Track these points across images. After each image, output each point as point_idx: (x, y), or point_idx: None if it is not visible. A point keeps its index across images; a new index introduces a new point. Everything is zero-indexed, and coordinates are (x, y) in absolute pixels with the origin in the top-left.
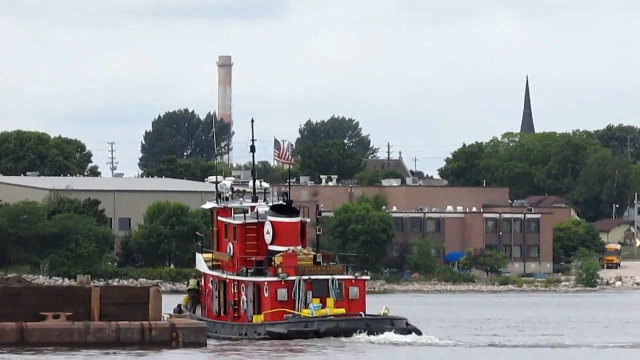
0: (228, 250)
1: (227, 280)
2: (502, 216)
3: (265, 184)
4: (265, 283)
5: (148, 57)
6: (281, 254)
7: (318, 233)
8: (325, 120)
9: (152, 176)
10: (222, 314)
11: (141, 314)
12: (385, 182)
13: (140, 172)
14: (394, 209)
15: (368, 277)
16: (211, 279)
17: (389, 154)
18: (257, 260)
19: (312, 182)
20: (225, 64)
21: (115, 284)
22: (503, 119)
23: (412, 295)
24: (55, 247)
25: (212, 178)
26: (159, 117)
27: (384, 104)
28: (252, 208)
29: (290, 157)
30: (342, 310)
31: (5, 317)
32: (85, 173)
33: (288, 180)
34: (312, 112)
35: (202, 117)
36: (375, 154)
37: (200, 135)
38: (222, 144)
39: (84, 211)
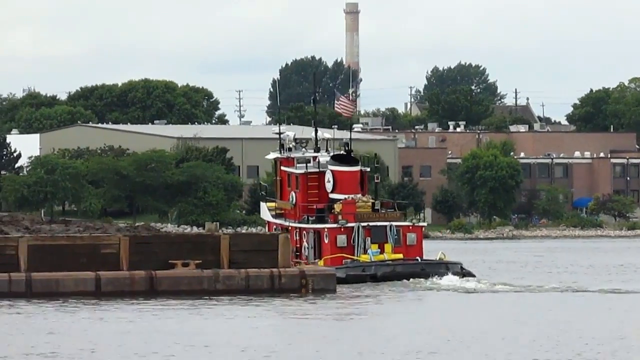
0: (291, 199)
1: (290, 227)
2: (629, 161)
3: (327, 135)
4: (326, 230)
5: (275, 4)
6: (341, 201)
7: (376, 181)
8: (452, 67)
9: (280, 124)
10: None
11: (270, 261)
12: (512, 128)
13: (268, 119)
14: (522, 154)
15: (425, 224)
16: (274, 226)
17: (516, 100)
18: (318, 208)
19: (440, 128)
20: (353, 11)
21: (243, 231)
22: (630, 64)
23: (539, 240)
24: (183, 195)
25: (275, 129)
26: (287, 64)
27: (511, 50)
28: (314, 158)
29: (349, 108)
30: (400, 256)
31: (135, 266)
32: (213, 121)
33: (350, 129)
34: (439, 58)
35: (330, 64)
36: (502, 100)
37: (327, 83)
38: (350, 91)
39: (212, 159)
